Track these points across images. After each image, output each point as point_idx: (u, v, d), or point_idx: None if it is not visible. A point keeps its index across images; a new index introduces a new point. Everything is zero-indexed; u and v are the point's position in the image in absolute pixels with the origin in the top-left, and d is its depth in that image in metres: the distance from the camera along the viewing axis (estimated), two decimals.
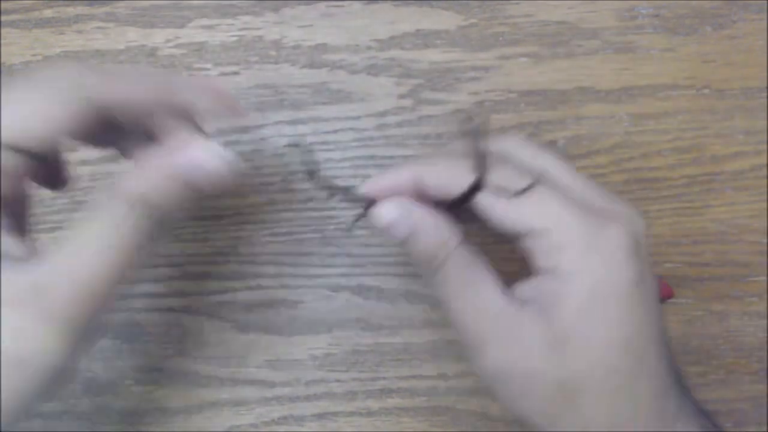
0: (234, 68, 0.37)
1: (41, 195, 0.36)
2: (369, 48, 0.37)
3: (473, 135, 0.20)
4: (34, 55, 0.37)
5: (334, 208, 0.36)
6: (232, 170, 0.25)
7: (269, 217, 0.37)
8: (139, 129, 0.25)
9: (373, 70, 0.37)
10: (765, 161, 0.37)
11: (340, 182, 0.37)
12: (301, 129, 0.37)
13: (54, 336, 0.21)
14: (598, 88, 0.37)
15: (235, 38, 0.37)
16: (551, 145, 0.37)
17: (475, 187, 0.23)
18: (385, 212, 0.25)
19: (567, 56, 0.37)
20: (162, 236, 0.24)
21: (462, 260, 0.25)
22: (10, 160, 0.22)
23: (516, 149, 0.26)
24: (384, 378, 0.36)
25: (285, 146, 0.37)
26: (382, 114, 0.37)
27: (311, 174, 0.26)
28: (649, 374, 0.24)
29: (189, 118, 0.26)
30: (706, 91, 0.37)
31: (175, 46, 0.37)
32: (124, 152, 0.28)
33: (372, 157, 0.37)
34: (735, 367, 0.36)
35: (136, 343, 0.36)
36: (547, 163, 0.25)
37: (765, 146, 0.37)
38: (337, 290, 0.37)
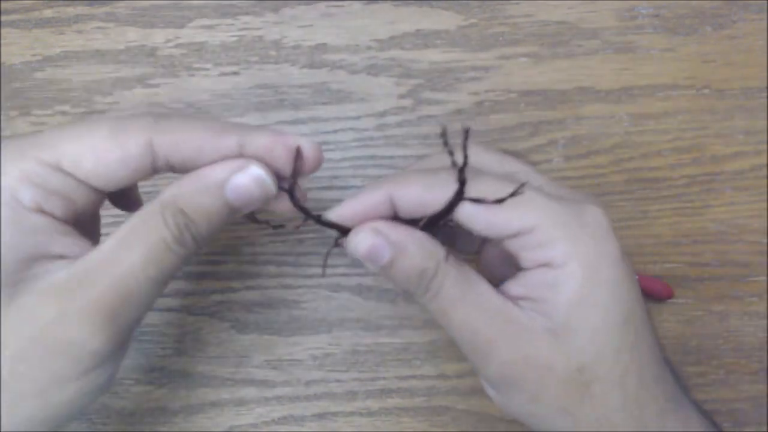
0: (234, 68, 0.37)
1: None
2: (369, 48, 0.37)
3: (451, 146, 0.20)
4: (34, 55, 0.37)
5: None
6: (268, 196, 0.25)
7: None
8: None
9: (373, 70, 0.37)
10: (765, 161, 0.37)
11: (339, 182, 0.37)
12: (301, 129, 0.37)
13: (89, 326, 0.22)
14: (598, 88, 0.37)
15: (235, 38, 0.37)
16: (514, 151, 0.37)
17: (457, 198, 0.23)
18: (361, 241, 0.24)
19: (567, 56, 0.37)
20: (201, 247, 0.24)
21: (455, 267, 0.24)
22: (83, 193, 0.24)
23: (481, 156, 0.26)
24: (384, 378, 0.36)
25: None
26: (382, 114, 0.37)
27: (289, 190, 0.25)
28: (649, 352, 0.24)
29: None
30: (706, 91, 0.37)
31: (175, 46, 0.37)
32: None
33: (372, 157, 0.37)
34: (735, 367, 0.36)
35: (136, 343, 0.36)
36: (514, 166, 0.26)
37: (765, 146, 0.37)
38: (337, 290, 0.37)
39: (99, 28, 0.37)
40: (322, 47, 0.37)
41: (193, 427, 0.36)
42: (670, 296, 0.36)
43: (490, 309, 0.24)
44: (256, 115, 0.37)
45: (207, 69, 0.37)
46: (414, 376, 0.36)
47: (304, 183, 0.26)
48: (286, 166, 0.25)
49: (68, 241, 0.23)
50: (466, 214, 0.24)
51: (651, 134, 0.37)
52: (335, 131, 0.37)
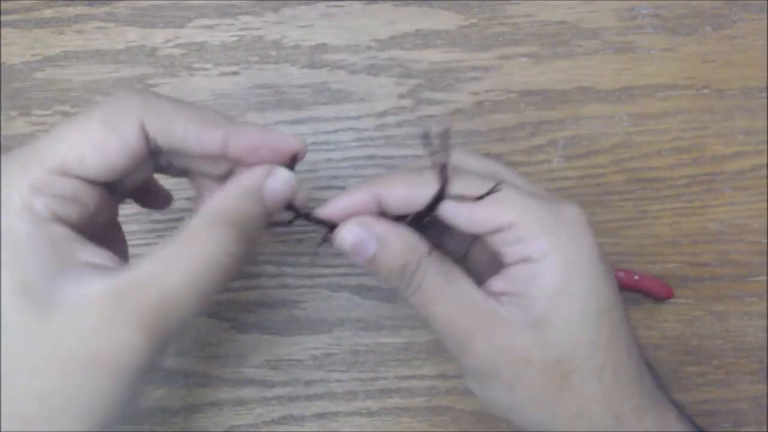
0: (234, 68, 0.37)
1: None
2: (369, 48, 0.37)
3: (434, 145, 0.21)
4: (34, 55, 0.37)
5: None
6: (294, 194, 0.26)
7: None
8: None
9: (373, 70, 0.37)
10: (765, 161, 0.37)
11: (339, 182, 0.37)
12: (301, 129, 0.37)
13: (128, 338, 0.22)
14: (598, 88, 0.37)
15: (235, 38, 0.37)
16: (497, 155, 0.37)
17: (440, 196, 0.24)
18: (347, 233, 0.25)
19: (567, 56, 0.37)
20: (247, 256, 0.24)
21: (436, 262, 0.25)
22: (92, 193, 0.24)
23: (463, 159, 0.27)
24: (384, 378, 0.36)
25: None
26: (382, 114, 0.37)
27: None
28: (626, 348, 0.24)
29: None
30: (706, 91, 0.37)
31: (175, 46, 0.37)
32: (195, 180, 0.28)
33: (372, 157, 0.37)
34: (735, 367, 0.36)
35: None
36: (495, 167, 0.27)
37: (765, 146, 0.37)
38: (337, 290, 0.37)
39: (99, 28, 0.37)
40: (322, 47, 0.37)
41: (192, 427, 0.36)
42: (670, 296, 0.36)
43: (469, 303, 0.25)
44: (256, 114, 0.37)
45: (207, 69, 0.37)
46: (414, 376, 0.36)
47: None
48: (270, 163, 0.26)
49: (91, 249, 0.23)
50: (449, 211, 0.25)
51: (651, 134, 0.37)
52: (335, 131, 0.37)
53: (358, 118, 0.37)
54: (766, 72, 0.37)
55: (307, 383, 0.36)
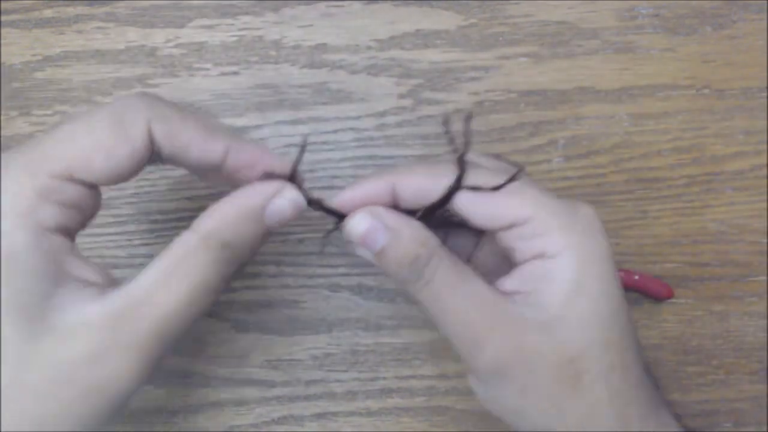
0: (234, 68, 0.37)
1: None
2: (369, 48, 0.37)
3: (453, 133, 0.21)
4: (34, 55, 0.37)
5: None
6: (299, 212, 0.25)
7: None
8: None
9: (373, 70, 0.37)
10: (765, 161, 0.37)
11: (339, 182, 0.37)
12: (301, 129, 0.37)
13: (127, 364, 0.21)
14: (598, 88, 0.37)
15: (235, 38, 0.37)
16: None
17: (456, 186, 0.23)
18: (358, 223, 0.25)
19: (567, 56, 0.37)
20: (237, 274, 0.24)
21: (448, 258, 0.24)
22: (92, 196, 0.23)
23: (476, 157, 0.27)
24: (384, 378, 0.36)
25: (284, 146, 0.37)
26: (382, 114, 0.37)
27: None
28: (633, 353, 0.24)
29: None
30: (706, 91, 0.37)
31: (175, 46, 0.37)
32: (198, 174, 0.28)
33: (372, 157, 0.37)
34: (735, 367, 0.36)
35: None
36: (508, 168, 0.26)
37: (765, 146, 0.37)
38: (336, 290, 0.37)
39: (99, 28, 0.37)
40: (322, 47, 0.37)
41: (192, 427, 0.36)
42: (670, 296, 0.36)
43: (482, 300, 0.24)
44: (256, 115, 0.37)
45: (207, 69, 0.37)
46: (414, 376, 0.36)
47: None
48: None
49: (81, 263, 0.23)
50: (464, 202, 0.24)
51: (651, 134, 0.37)
52: (335, 131, 0.37)
53: (358, 118, 0.37)
54: (766, 72, 0.37)
55: (307, 383, 0.36)
